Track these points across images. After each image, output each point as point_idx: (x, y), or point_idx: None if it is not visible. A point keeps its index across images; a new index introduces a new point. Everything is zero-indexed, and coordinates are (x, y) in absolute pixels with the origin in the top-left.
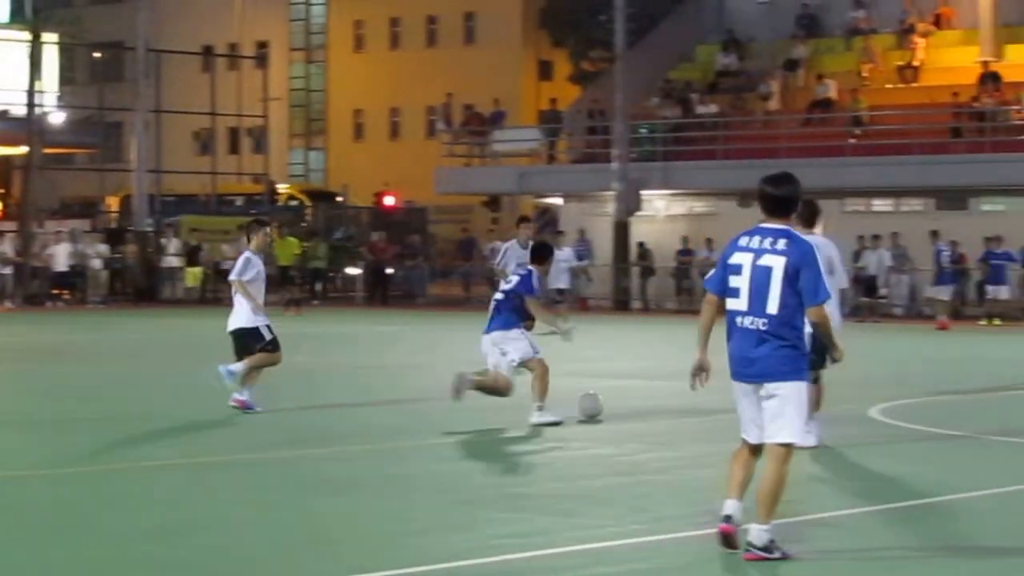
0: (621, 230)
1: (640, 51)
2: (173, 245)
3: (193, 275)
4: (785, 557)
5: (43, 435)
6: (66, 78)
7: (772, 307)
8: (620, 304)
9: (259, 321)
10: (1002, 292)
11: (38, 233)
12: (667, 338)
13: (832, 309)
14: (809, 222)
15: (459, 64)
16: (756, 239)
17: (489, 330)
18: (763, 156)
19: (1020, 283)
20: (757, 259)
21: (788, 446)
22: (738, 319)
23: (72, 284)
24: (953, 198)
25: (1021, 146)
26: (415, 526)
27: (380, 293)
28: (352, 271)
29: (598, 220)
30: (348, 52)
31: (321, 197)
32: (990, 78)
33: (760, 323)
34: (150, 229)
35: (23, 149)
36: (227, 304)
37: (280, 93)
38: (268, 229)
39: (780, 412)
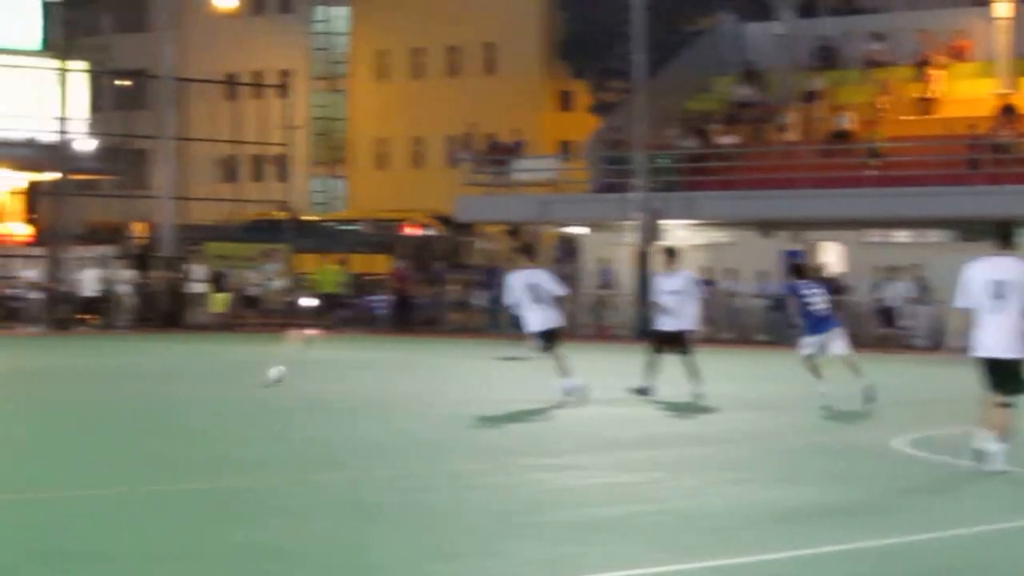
0: (641, 260)
1: (658, 82)
2: (198, 271)
3: (218, 301)
4: None
5: (73, 457)
6: (93, 105)
7: None
8: (642, 334)
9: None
10: None
11: (65, 258)
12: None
13: None
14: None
15: (480, 94)
16: None
17: None
18: (781, 186)
19: None
20: None
21: None
22: None
23: (99, 309)
24: (979, 229)
25: None
26: (440, 553)
27: (405, 319)
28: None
29: (619, 249)
30: (370, 81)
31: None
32: (1007, 110)
33: None
34: (175, 255)
35: (51, 175)
36: (251, 330)
37: (303, 121)
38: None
39: None
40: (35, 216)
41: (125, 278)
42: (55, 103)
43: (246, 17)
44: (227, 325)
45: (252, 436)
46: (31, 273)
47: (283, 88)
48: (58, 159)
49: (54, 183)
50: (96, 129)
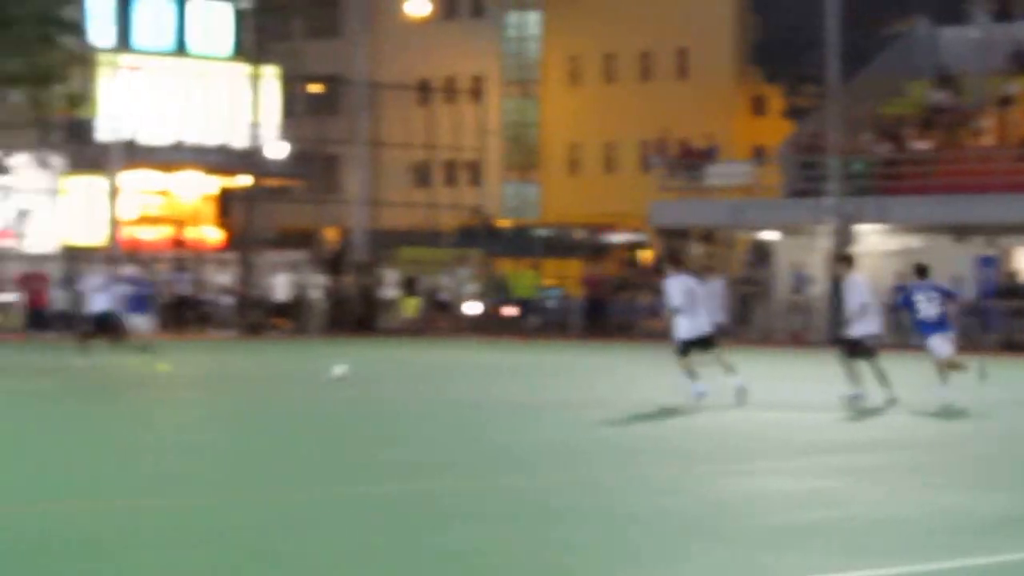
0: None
1: (852, 87)
2: (391, 276)
3: (410, 305)
4: None
5: (267, 460)
6: (285, 111)
7: None
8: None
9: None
10: None
11: (257, 263)
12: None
13: None
14: None
15: (672, 98)
16: None
17: None
18: (976, 191)
19: None
20: None
21: None
22: None
23: (291, 314)
24: None
25: None
26: (630, 558)
27: (598, 325)
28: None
29: (812, 254)
30: (562, 86)
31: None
32: None
33: None
34: (367, 260)
35: (243, 181)
36: (442, 334)
37: (495, 126)
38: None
39: None
40: (227, 221)
41: (317, 283)
42: (247, 109)
43: (438, 22)
44: (418, 330)
45: (443, 440)
46: (223, 278)
47: (476, 93)
48: (250, 164)
49: (246, 188)
50: (288, 134)
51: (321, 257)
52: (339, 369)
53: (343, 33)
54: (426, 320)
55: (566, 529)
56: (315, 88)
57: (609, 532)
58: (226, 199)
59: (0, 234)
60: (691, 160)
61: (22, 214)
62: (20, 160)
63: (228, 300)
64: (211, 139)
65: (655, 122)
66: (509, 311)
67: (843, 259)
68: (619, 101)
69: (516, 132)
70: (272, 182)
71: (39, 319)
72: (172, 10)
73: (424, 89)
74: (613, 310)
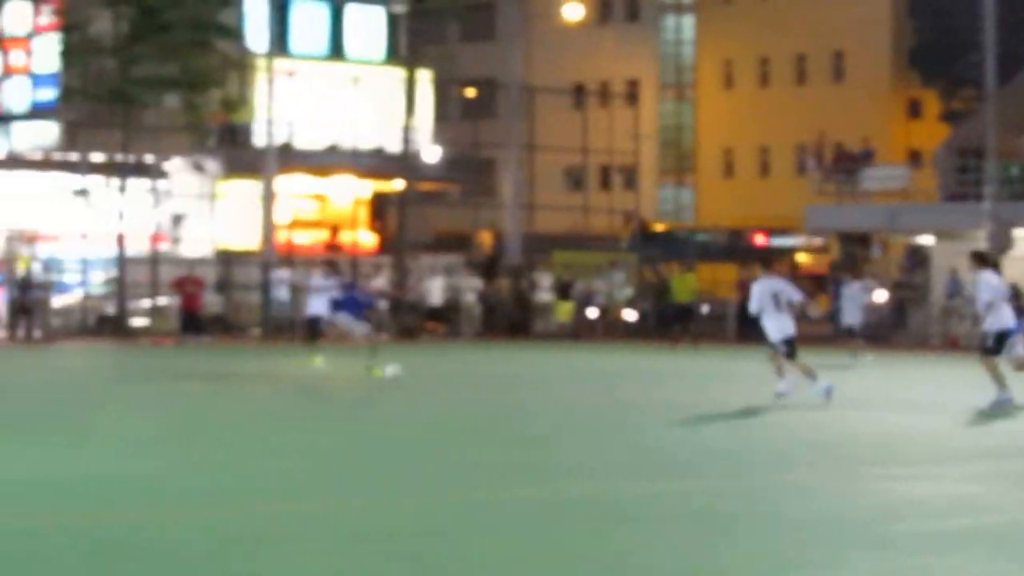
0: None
1: (1009, 90)
2: (545, 280)
3: (565, 310)
4: None
5: (431, 463)
6: (439, 114)
7: None
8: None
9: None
10: None
11: (412, 267)
12: None
13: None
14: None
15: (828, 102)
16: None
17: None
18: None
19: None
20: None
21: None
22: None
23: (446, 317)
24: None
25: None
26: (788, 563)
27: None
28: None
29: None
30: (717, 90)
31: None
32: None
33: None
34: (521, 264)
35: (398, 184)
36: (596, 338)
37: (650, 130)
38: None
39: None
40: (380, 225)
41: (471, 287)
42: (401, 113)
43: (593, 26)
44: (573, 334)
45: (605, 443)
46: (377, 282)
47: (630, 97)
48: (404, 168)
49: (400, 192)
50: (442, 138)
51: (475, 261)
52: (391, 369)
53: (498, 37)
54: (580, 324)
55: (727, 534)
56: (470, 92)
57: (766, 537)
58: (380, 203)
59: (156, 238)
60: (846, 164)
61: (177, 218)
62: (176, 164)
63: (383, 304)
64: (365, 143)
65: (810, 125)
66: (666, 315)
67: (975, 256)
68: (774, 104)
69: (671, 136)
70: (426, 186)
71: (193, 322)
72: (327, 14)
73: (579, 93)
74: None
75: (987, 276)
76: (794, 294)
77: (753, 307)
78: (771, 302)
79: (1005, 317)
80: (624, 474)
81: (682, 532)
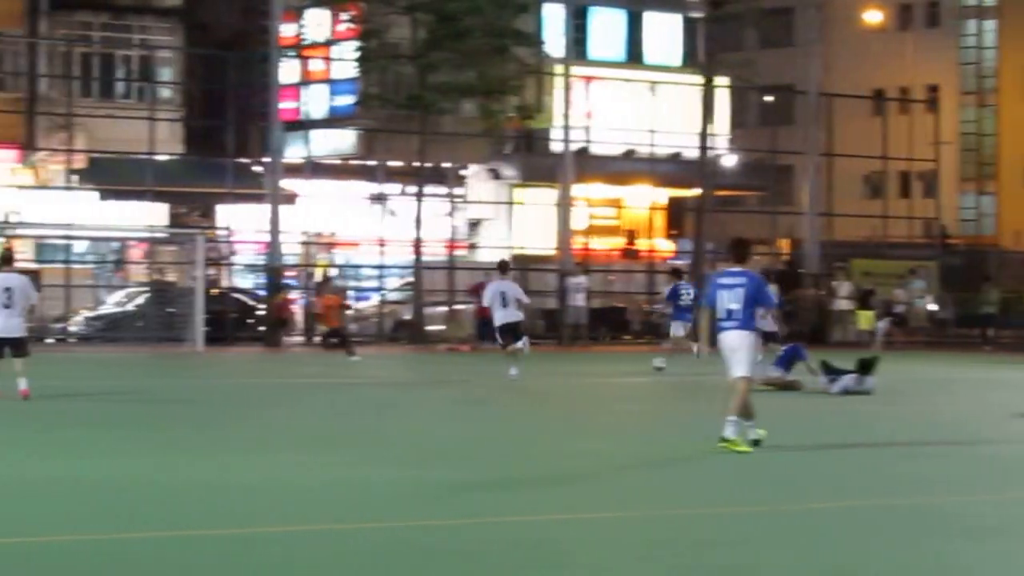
0: None
1: None
2: (844, 288)
3: (865, 318)
4: None
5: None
6: (736, 121)
7: None
8: None
9: None
10: None
11: (709, 274)
12: None
13: None
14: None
15: None
16: None
17: None
18: None
19: None
20: None
21: None
22: None
23: None
24: None
25: None
26: None
27: None
28: None
29: None
30: (1019, 95)
31: None
32: None
33: None
34: (820, 272)
35: (695, 191)
36: (899, 347)
37: (951, 137)
38: None
39: None
40: (675, 232)
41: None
42: (697, 119)
43: (892, 32)
44: (872, 343)
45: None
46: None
47: (931, 103)
48: (700, 175)
49: (696, 199)
50: (738, 145)
51: (773, 268)
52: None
53: (796, 42)
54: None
55: (989, 545)
56: (768, 98)
57: None
58: (676, 209)
59: (453, 244)
60: None
61: (474, 224)
62: (473, 171)
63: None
64: (662, 150)
65: None
66: (975, 325)
67: None
68: None
69: (972, 143)
70: (723, 193)
71: (488, 328)
72: (624, 21)
73: (878, 99)
74: None
75: None
76: None
77: None
78: None
79: None
80: (975, 485)
81: (945, 542)
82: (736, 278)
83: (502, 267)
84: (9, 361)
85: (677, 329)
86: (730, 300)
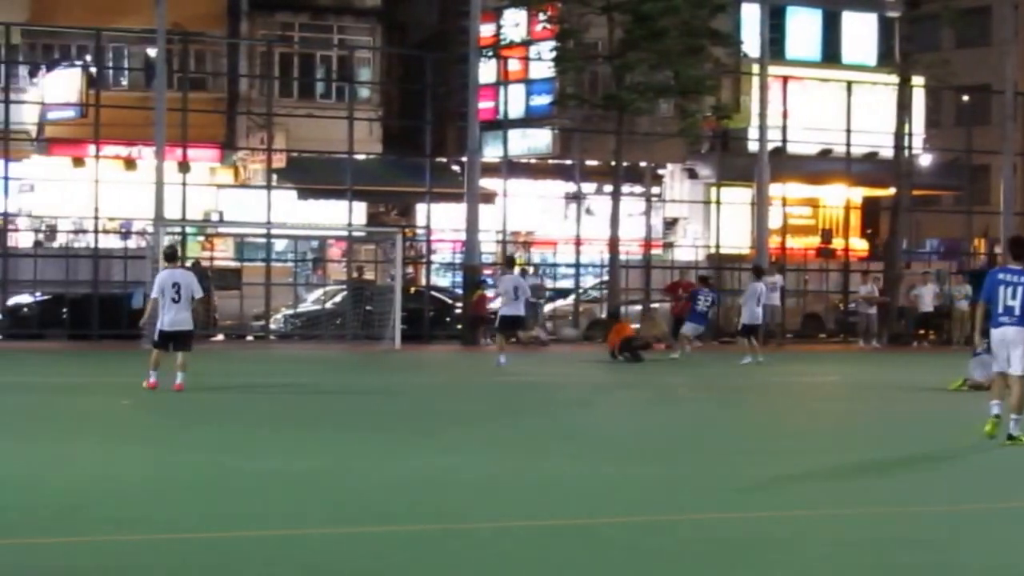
0: None
1: None
2: None
3: None
4: None
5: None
6: (931, 120)
7: None
8: None
9: None
10: None
11: (905, 274)
12: None
13: None
14: None
15: None
16: None
17: None
18: None
19: None
20: None
21: None
22: None
23: (937, 325)
24: None
25: None
26: None
27: None
28: None
29: None
30: None
31: None
32: None
33: None
34: None
35: (891, 191)
36: None
37: None
38: None
39: None
40: (871, 231)
41: (964, 294)
42: (893, 119)
43: None
44: None
45: None
46: (868, 288)
47: None
48: (896, 175)
49: (891, 198)
50: (933, 144)
51: (967, 268)
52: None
53: (992, 42)
54: None
55: None
56: (964, 97)
57: None
58: (874, 209)
59: (649, 244)
60: None
61: (670, 223)
62: (670, 170)
63: (872, 311)
64: (857, 149)
65: None
66: None
67: None
68: None
69: None
70: (920, 192)
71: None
72: (820, 20)
73: None
74: None
75: None
76: None
77: None
78: None
79: None
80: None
81: None
82: (1016, 276)
83: (509, 262)
84: (171, 356)
85: (687, 329)
86: (1010, 296)
